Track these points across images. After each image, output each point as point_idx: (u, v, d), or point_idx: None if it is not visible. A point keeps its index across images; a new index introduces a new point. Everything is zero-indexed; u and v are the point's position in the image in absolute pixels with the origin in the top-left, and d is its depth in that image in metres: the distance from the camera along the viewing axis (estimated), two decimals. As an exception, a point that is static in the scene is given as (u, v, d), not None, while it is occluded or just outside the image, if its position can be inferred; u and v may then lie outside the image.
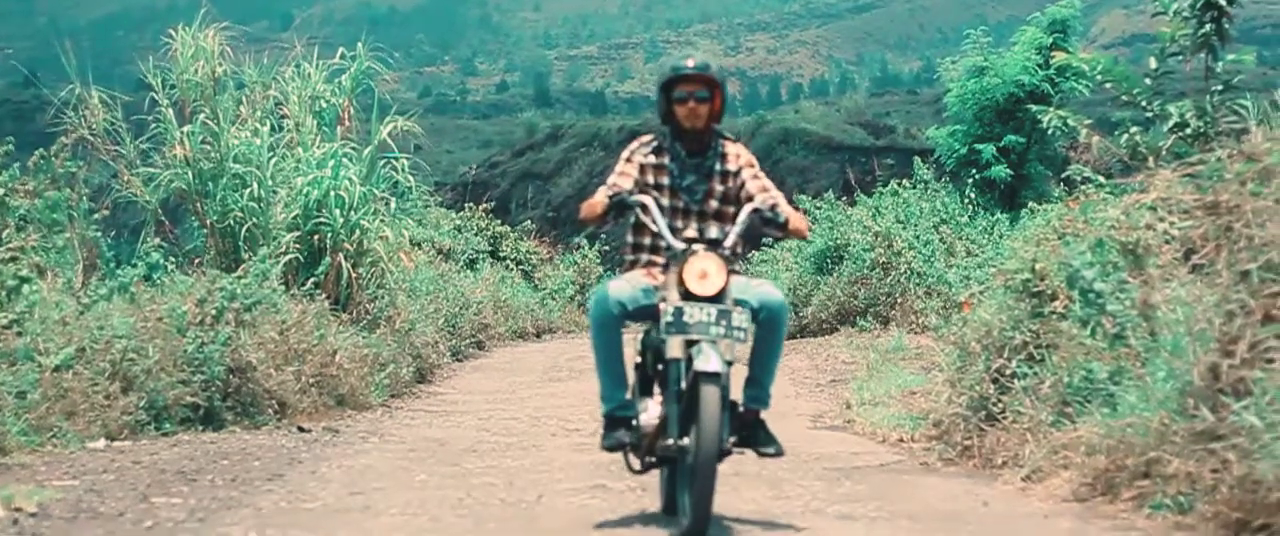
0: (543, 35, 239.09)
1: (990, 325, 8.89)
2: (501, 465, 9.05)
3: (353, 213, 14.63)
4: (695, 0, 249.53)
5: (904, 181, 23.81)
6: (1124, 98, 10.48)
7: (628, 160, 7.37)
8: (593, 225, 7.13)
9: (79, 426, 9.46)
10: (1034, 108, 18.16)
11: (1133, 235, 8.01)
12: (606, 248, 33.05)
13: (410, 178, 16.17)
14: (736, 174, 7.35)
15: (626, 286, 7.07)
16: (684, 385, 6.50)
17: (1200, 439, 6.29)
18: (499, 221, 33.86)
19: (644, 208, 7.01)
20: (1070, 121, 11.54)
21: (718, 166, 7.36)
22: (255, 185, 14.18)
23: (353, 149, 15.32)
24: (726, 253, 6.75)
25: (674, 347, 6.53)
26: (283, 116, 15.28)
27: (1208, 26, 10.31)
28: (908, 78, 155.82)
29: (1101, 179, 10.22)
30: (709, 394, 6.30)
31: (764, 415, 7.07)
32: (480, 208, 32.29)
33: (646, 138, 7.50)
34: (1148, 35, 8.92)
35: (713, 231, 6.79)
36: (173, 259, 13.41)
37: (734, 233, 6.92)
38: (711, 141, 7.38)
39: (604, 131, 68.74)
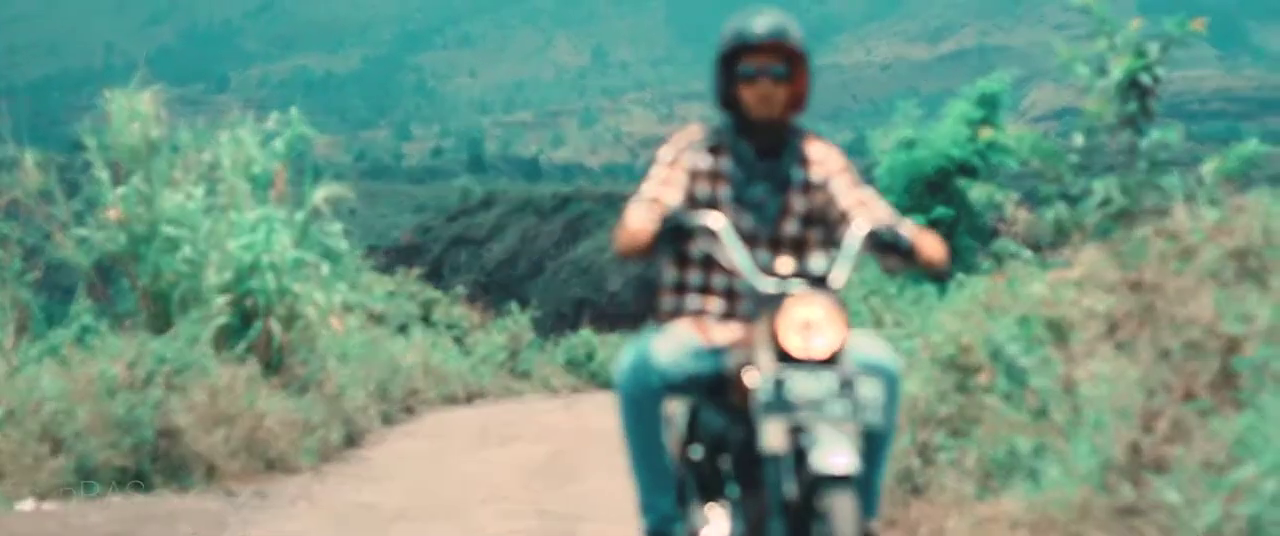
0: (478, 101, 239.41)
1: (915, 398, 8.96)
2: (430, 531, 9.07)
3: (285, 277, 14.64)
4: (630, 69, 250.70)
5: (832, 251, 23.87)
6: (1049, 175, 10.65)
7: (672, 164, 5.37)
8: (639, 258, 5.07)
9: (7, 488, 9.43)
10: (963, 181, 18.29)
11: (1057, 310, 8.10)
12: (537, 313, 33.07)
13: (343, 242, 16.21)
14: (823, 185, 5.41)
15: (673, 347, 5.15)
16: (789, 491, 4.54)
17: (1122, 515, 6.37)
18: (431, 286, 33.90)
19: (710, 232, 4.99)
20: (997, 196, 11.68)
21: (798, 174, 5.42)
22: (188, 248, 14.17)
23: (286, 213, 15.35)
24: (839, 293, 4.82)
25: (775, 436, 4.57)
26: (217, 180, 15.29)
27: (1133, 104, 10.49)
28: (840, 146, 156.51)
29: (1028, 253, 10.35)
30: (841, 508, 4.36)
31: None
32: (412, 272, 32.32)
33: (695, 129, 5.50)
34: (1077, 109, 9.05)
35: (821, 262, 4.81)
36: (104, 321, 13.40)
37: (843, 263, 4.91)
38: (790, 139, 5.47)
39: (537, 198, 68.98)
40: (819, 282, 4.74)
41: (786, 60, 5.35)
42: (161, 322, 13.84)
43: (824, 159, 5.47)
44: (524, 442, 15.99)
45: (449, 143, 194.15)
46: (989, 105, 22.97)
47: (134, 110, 14.53)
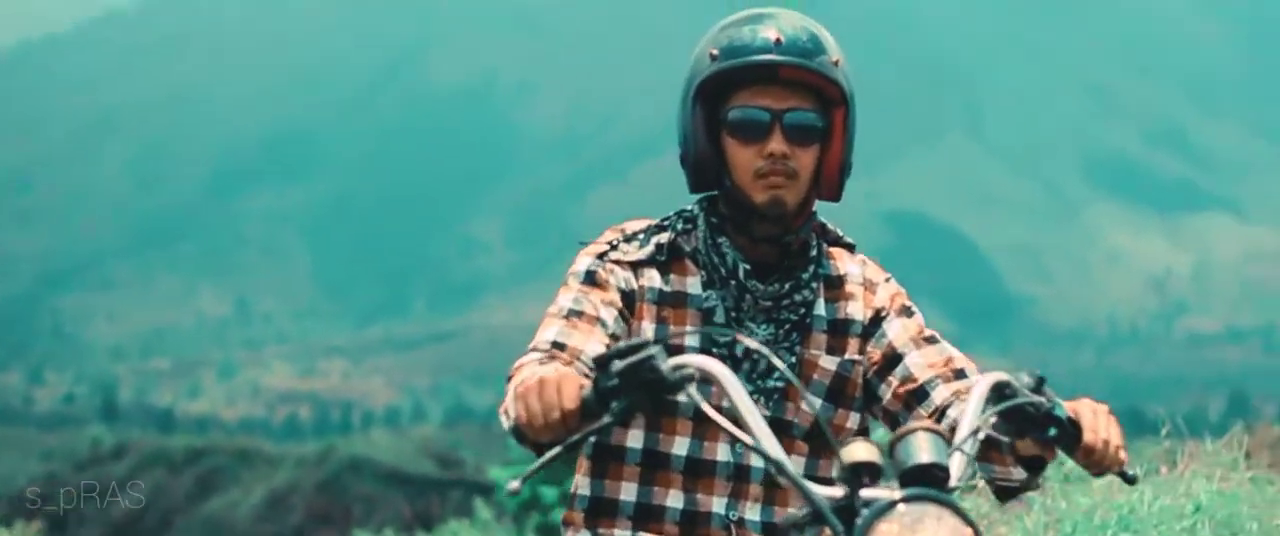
0: (115, 347, 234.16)
1: None
2: None
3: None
4: (272, 320, 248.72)
5: (466, 520, 24.11)
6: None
7: (593, 284, 3.28)
8: (549, 441, 2.79)
9: None
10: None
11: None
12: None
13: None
14: (870, 331, 3.36)
15: None
16: None
17: None
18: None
19: (697, 383, 2.73)
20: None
21: (826, 309, 3.36)
22: None
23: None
24: (962, 501, 3.24)
25: None
26: None
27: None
28: (483, 411, 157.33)
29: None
30: None
31: None
32: (34, 526, 31.44)
33: (639, 226, 3.39)
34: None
35: (926, 445, 2.56)
36: None
37: (964, 452, 2.75)
38: (810, 244, 3.36)
39: (170, 449, 67.76)
40: (930, 480, 2.54)
41: (818, 98, 3.23)
42: None
43: (868, 285, 3.41)
44: None
45: (82, 388, 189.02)
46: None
47: None
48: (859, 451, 2.56)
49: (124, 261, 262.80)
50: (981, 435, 2.80)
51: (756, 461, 3.26)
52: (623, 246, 3.33)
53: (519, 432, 2.92)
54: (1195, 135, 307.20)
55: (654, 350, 2.65)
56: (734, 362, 3.22)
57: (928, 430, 2.58)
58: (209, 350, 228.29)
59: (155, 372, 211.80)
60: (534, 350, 3.17)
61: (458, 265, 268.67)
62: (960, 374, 3.25)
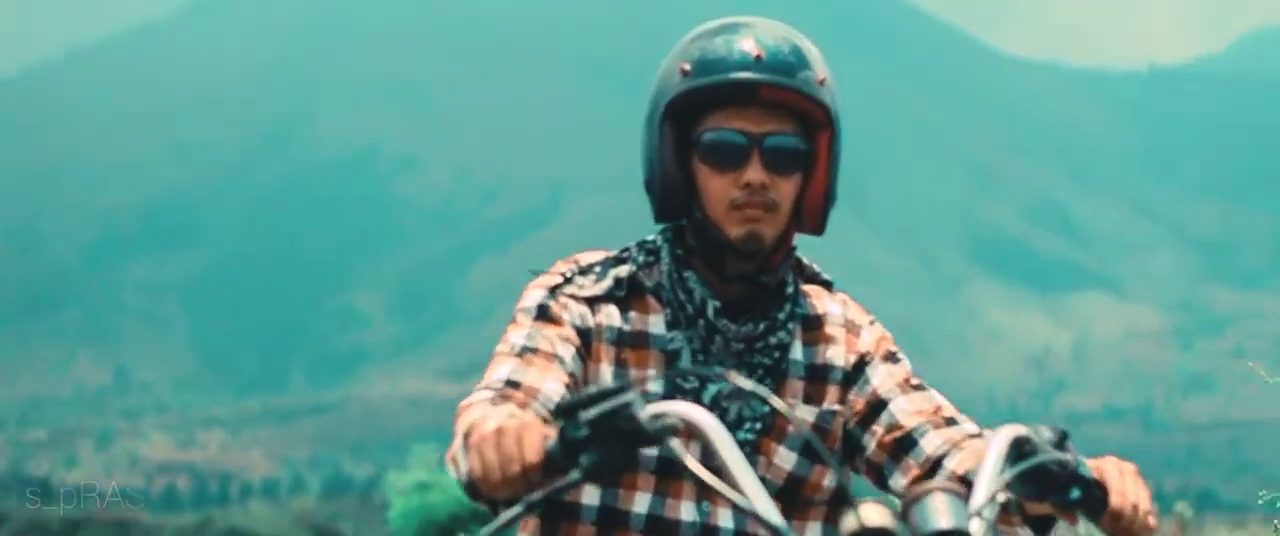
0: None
1: None
2: None
3: None
4: (151, 390, 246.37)
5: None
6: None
7: (548, 318, 2.94)
8: (517, 503, 2.37)
9: None
10: (477, 530, 19.18)
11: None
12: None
13: None
14: (852, 376, 3.04)
15: None
16: None
17: None
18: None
19: (678, 435, 2.42)
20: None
21: (803, 353, 3.04)
22: None
23: None
24: None
25: None
26: None
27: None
28: (361, 482, 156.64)
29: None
30: None
31: None
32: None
33: (593, 257, 3.06)
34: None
35: (944, 508, 2.31)
36: None
37: (984, 518, 2.41)
38: (786, 281, 3.04)
39: (47, 520, 67.73)
40: None
41: (800, 121, 2.92)
42: None
43: (851, 327, 3.09)
44: None
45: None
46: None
47: None
48: (871, 514, 2.31)
49: (2, 330, 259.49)
50: (1003, 498, 2.47)
51: (726, 520, 2.92)
52: (578, 279, 2.97)
53: (472, 487, 2.52)
54: (1077, 214, 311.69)
55: (630, 396, 2.33)
56: (714, 409, 2.88)
57: (946, 491, 2.34)
58: (87, 420, 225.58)
59: (32, 442, 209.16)
60: (485, 388, 2.79)
61: (338, 336, 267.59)
62: (951, 422, 2.93)
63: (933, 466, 2.90)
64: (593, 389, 2.37)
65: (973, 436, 2.90)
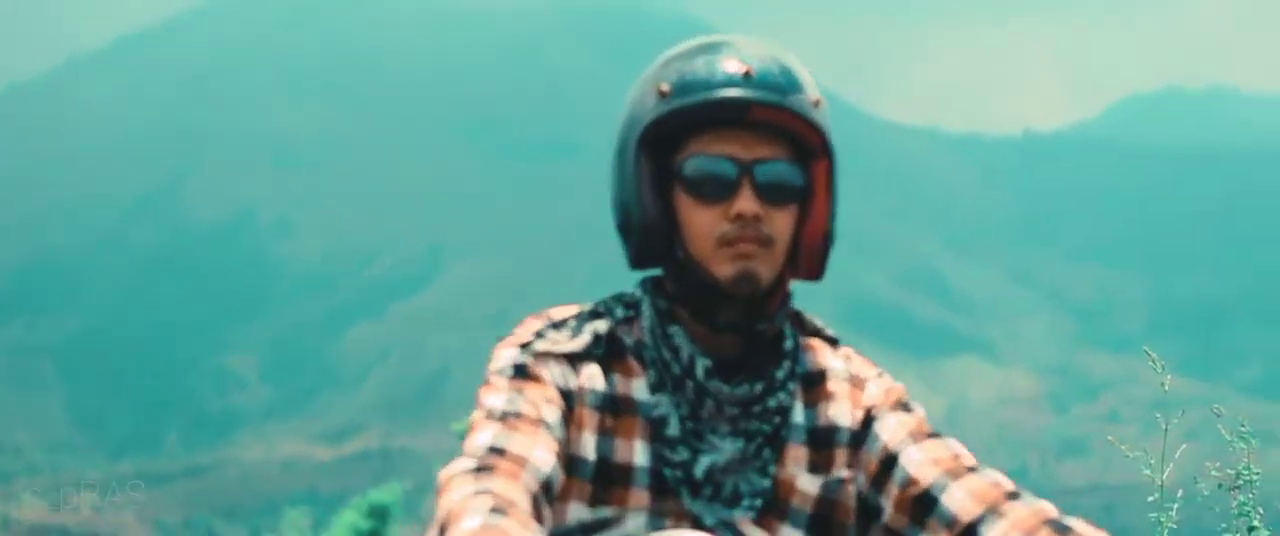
0: None
1: None
2: None
3: None
4: (23, 452, 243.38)
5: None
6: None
7: (527, 377, 2.55)
8: None
9: None
10: None
11: None
12: None
13: None
14: (862, 430, 2.67)
15: None
16: None
17: None
18: None
19: None
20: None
21: (804, 414, 2.66)
22: None
23: None
24: None
25: None
26: None
27: None
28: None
29: None
30: None
31: None
32: None
33: (566, 312, 2.67)
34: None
35: None
36: None
37: None
38: (785, 334, 2.69)
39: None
40: None
41: (794, 148, 2.59)
42: None
43: (855, 381, 2.75)
44: None
45: None
46: (379, 516, 22.84)
47: None
48: None
49: None
50: None
51: None
52: (551, 335, 2.59)
53: None
54: (952, 279, 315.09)
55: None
56: (692, 485, 2.54)
57: None
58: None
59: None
60: (467, 457, 2.41)
61: (212, 399, 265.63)
62: (972, 470, 2.56)
63: (964, 534, 2.50)
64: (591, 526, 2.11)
65: (1011, 495, 2.50)
